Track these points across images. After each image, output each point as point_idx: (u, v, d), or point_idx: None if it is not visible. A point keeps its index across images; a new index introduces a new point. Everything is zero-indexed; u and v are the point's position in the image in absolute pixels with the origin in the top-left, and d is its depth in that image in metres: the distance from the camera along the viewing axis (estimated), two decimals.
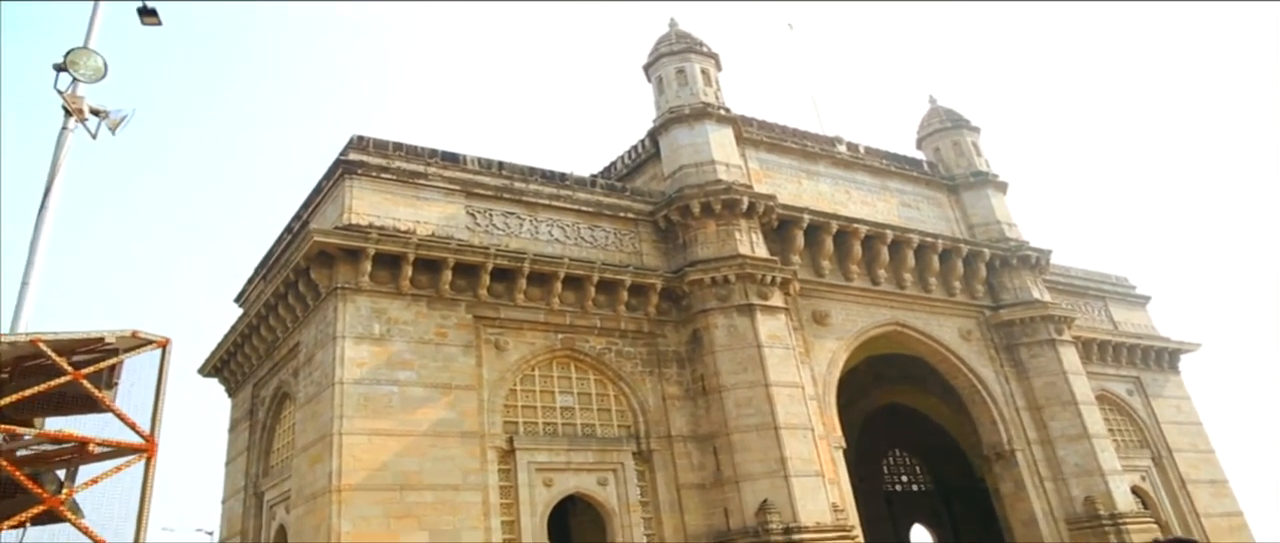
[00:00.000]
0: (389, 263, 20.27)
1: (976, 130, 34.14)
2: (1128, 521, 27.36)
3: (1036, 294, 30.36)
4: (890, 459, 39.44)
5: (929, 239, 28.33)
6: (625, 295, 22.79)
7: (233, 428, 26.09)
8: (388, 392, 19.10)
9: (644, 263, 24.00)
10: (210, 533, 25.71)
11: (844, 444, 23.98)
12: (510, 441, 20.06)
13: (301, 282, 20.68)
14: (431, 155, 22.66)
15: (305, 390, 20.26)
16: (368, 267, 19.82)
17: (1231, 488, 35.43)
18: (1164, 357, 36.85)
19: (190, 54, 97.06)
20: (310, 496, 18.55)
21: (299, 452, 19.79)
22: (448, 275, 20.62)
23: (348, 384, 18.71)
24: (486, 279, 21.06)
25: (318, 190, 22.71)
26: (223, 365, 26.29)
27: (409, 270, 20.21)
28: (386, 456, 18.40)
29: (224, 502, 25.27)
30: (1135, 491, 30.47)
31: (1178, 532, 32.35)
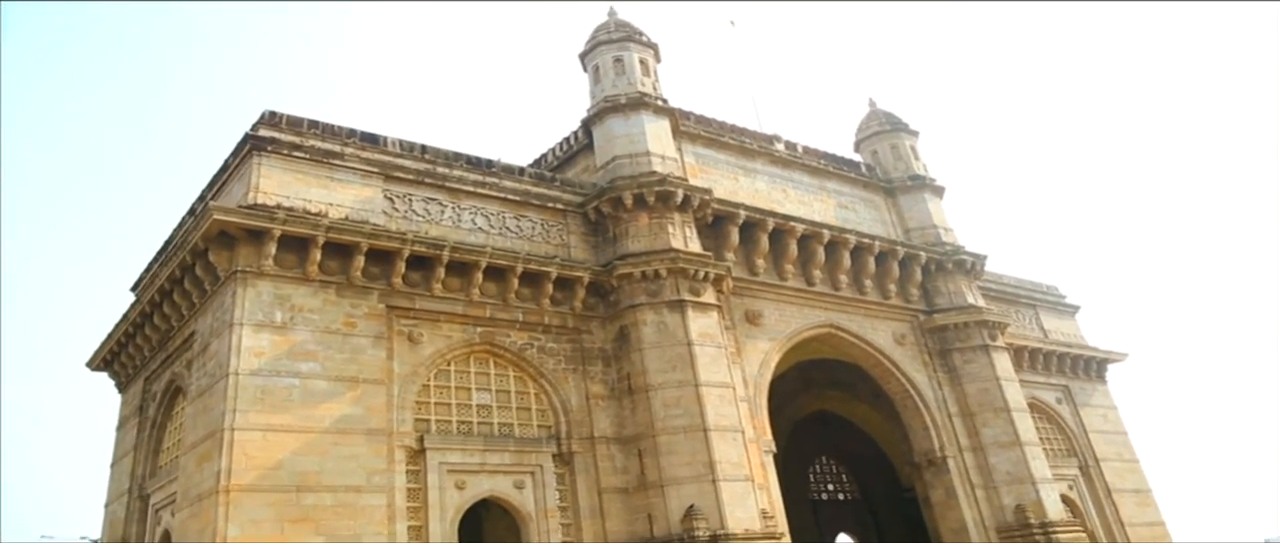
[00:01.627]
0: (296, 247, 18.87)
1: (915, 134, 34.02)
2: (1058, 529, 27.26)
3: (971, 299, 30.24)
4: (817, 467, 39.06)
5: (865, 240, 27.93)
6: (551, 289, 21.73)
7: (121, 426, 24.18)
8: (288, 385, 17.69)
9: (572, 256, 22.99)
10: (93, 540, 23.68)
11: (774, 449, 23.28)
12: (421, 439, 18.81)
13: (199, 265, 19.13)
14: (349, 135, 21.31)
15: (198, 383, 18.71)
16: (272, 249, 18.39)
17: (1155, 497, 35.95)
18: (1092, 366, 37.24)
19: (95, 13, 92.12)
20: (196, 497, 17.04)
21: (187, 450, 18.24)
22: (360, 262, 19.30)
23: (243, 375, 17.26)
24: (402, 267, 19.79)
25: (224, 168, 21.16)
26: (113, 359, 24.37)
27: (318, 255, 18.84)
28: (283, 454, 16.99)
29: (107, 506, 23.34)
30: (1063, 499, 30.51)
31: (1103, 541, 32.61)
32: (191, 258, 19.08)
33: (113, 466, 23.86)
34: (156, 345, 22.25)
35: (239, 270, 18.12)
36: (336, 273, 19.27)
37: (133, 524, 21.31)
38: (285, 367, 17.81)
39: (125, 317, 22.82)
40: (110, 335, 23.80)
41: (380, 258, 19.74)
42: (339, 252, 19.29)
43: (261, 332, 17.86)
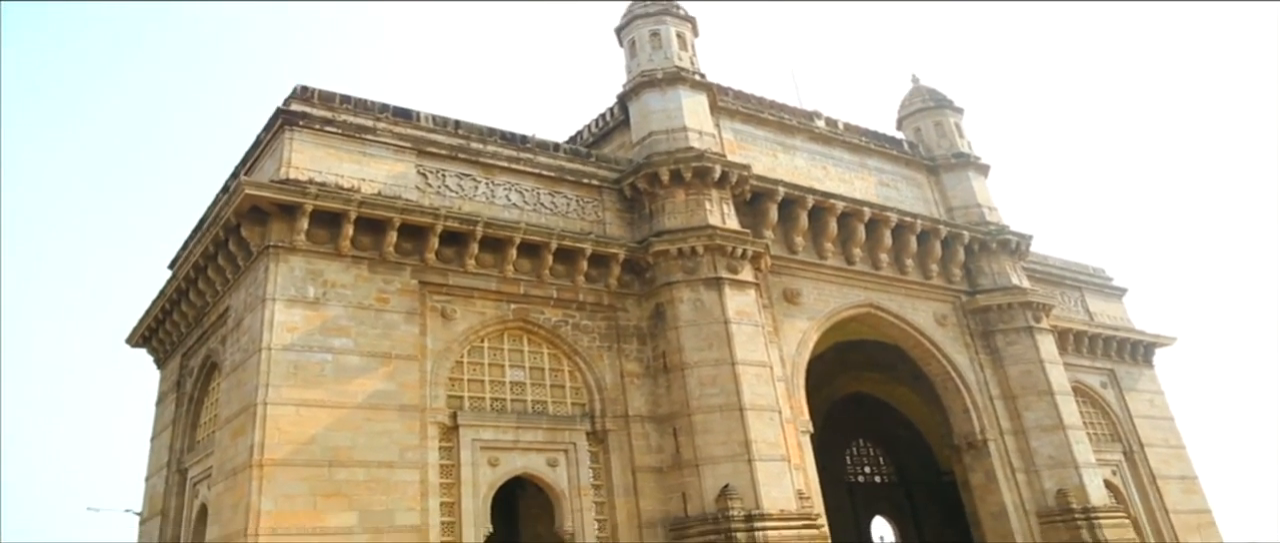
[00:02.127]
0: (328, 222, 18.55)
1: (960, 111, 32.82)
2: (1101, 515, 26.31)
3: (1015, 280, 29.17)
4: (853, 450, 38.25)
5: (907, 219, 27.00)
6: (585, 266, 21.20)
7: (160, 401, 24.23)
8: (320, 360, 17.42)
9: (607, 233, 22.43)
10: (138, 513, 23.84)
11: (811, 429, 22.63)
12: (454, 416, 18.47)
13: (232, 240, 18.90)
14: (382, 110, 20.91)
15: (232, 359, 18.53)
16: (304, 225, 18.08)
17: (1201, 485, 34.64)
18: (1139, 350, 35.91)
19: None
20: (231, 472, 16.88)
21: (222, 425, 18.09)
22: (392, 237, 18.93)
23: (276, 350, 17.01)
24: (435, 242, 19.39)
25: (256, 144, 20.89)
26: (151, 335, 24.37)
27: (350, 230, 18.50)
28: (316, 429, 16.75)
29: (147, 479, 23.42)
30: (1106, 485, 29.46)
31: (1147, 528, 31.51)
32: (224, 234, 18.86)
33: (152, 440, 23.93)
34: (193, 322, 22.18)
35: (271, 246, 17.85)
36: (369, 249, 18.92)
37: (171, 497, 21.33)
38: (318, 342, 17.54)
39: (162, 293, 22.77)
40: (148, 312, 23.79)
41: (413, 234, 19.35)
42: (371, 227, 18.93)
43: (294, 307, 17.60)
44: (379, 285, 18.76)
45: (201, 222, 22.56)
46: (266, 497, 15.81)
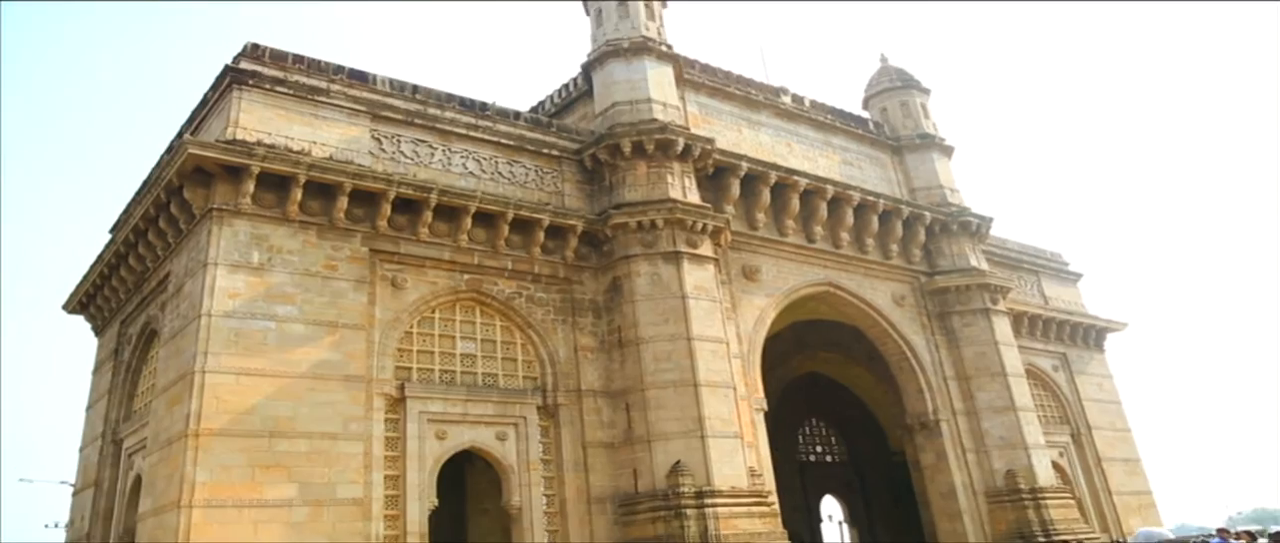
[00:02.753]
0: (276, 185, 17.67)
1: (926, 92, 32.40)
2: (1047, 495, 26.41)
3: (974, 262, 28.98)
4: (806, 429, 38.23)
5: (870, 198, 26.60)
6: (542, 237, 20.54)
7: (96, 370, 23.23)
8: (263, 328, 16.65)
9: (565, 204, 21.74)
10: (71, 484, 22.91)
11: (765, 407, 22.29)
12: (401, 387, 17.82)
13: (174, 203, 17.96)
14: (336, 71, 19.95)
15: (171, 325, 17.67)
16: (251, 188, 17.20)
17: (1143, 468, 35.10)
18: (1091, 334, 36.09)
19: None
20: (166, 441, 16.12)
21: (159, 393, 17.28)
22: (343, 203, 18.10)
23: (216, 317, 16.21)
24: (387, 210, 18.60)
25: (203, 104, 19.84)
26: (88, 301, 23.28)
27: (299, 195, 17.64)
28: (256, 399, 16.02)
29: (82, 450, 22.47)
30: (1053, 466, 29.59)
31: (1091, 508, 31.82)
32: (166, 196, 17.91)
33: (88, 410, 22.94)
34: (132, 288, 21.19)
35: (215, 209, 16.96)
36: (318, 214, 18.09)
37: (106, 468, 20.48)
38: (261, 309, 16.75)
39: (100, 258, 21.70)
40: (85, 277, 22.69)
41: (365, 200, 18.54)
42: (321, 192, 18.09)
43: (237, 272, 16.76)
44: (327, 252, 17.95)
45: (144, 184, 21.51)
46: (202, 468, 15.10)
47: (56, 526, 22.83)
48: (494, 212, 19.82)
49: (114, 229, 20.97)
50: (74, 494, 22.44)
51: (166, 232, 18.66)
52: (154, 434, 16.89)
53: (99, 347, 23.68)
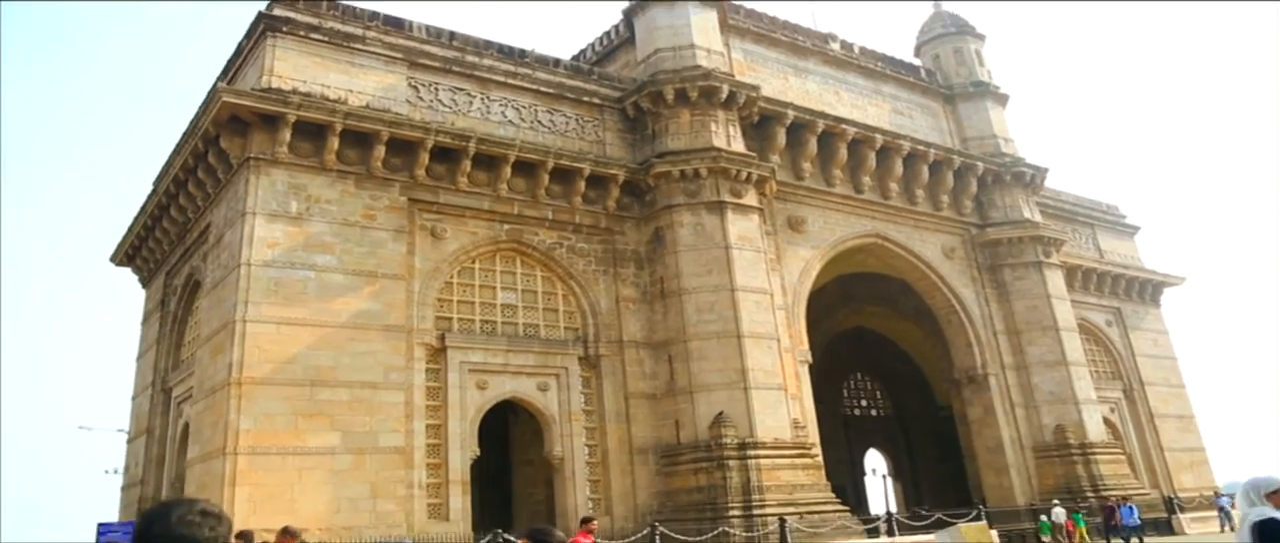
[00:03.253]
0: (313, 134, 17.21)
1: (981, 38, 30.73)
2: (1097, 451, 25.44)
3: (1027, 214, 27.64)
4: (851, 383, 37.40)
5: (920, 148, 25.35)
6: (583, 186, 19.86)
7: (145, 320, 23.29)
8: (303, 277, 16.32)
9: (607, 154, 20.99)
10: (127, 432, 23.14)
11: (810, 359, 21.56)
12: (442, 338, 17.45)
13: (211, 153, 17.62)
14: (372, 18, 19.31)
15: (212, 276, 17.48)
16: (287, 136, 16.75)
17: (1197, 425, 33.70)
18: (1147, 289, 34.49)
19: None
20: (210, 390, 15.98)
21: (202, 343, 17.15)
22: (380, 152, 17.60)
23: (256, 266, 15.91)
24: (425, 158, 18.05)
25: (237, 53, 19.40)
26: (134, 253, 23.25)
27: (335, 143, 17.16)
28: (297, 348, 15.76)
29: (134, 398, 22.64)
30: (1104, 422, 28.47)
31: (1141, 465, 30.67)
32: (203, 145, 17.57)
33: (138, 359, 23.08)
34: (175, 239, 21.05)
35: (252, 158, 16.57)
36: (356, 163, 17.62)
37: (156, 417, 20.57)
38: (300, 259, 16.40)
39: (143, 209, 21.59)
40: (130, 229, 22.65)
41: (402, 149, 18.00)
42: (358, 141, 17.59)
43: (275, 222, 16.41)
44: (366, 202, 17.51)
45: (183, 134, 21.26)
46: (245, 416, 14.92)
47: (115, 472, 23.11)
48: (534, 160, 19.17)
49: (156, 181, 20.79)
50: (128, 442, 22.71)
51: (206, 182, 18.37)
52: (199, 383, 16.79)
53: (147, 298, 23.75)
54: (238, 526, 14.19)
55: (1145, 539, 19.79)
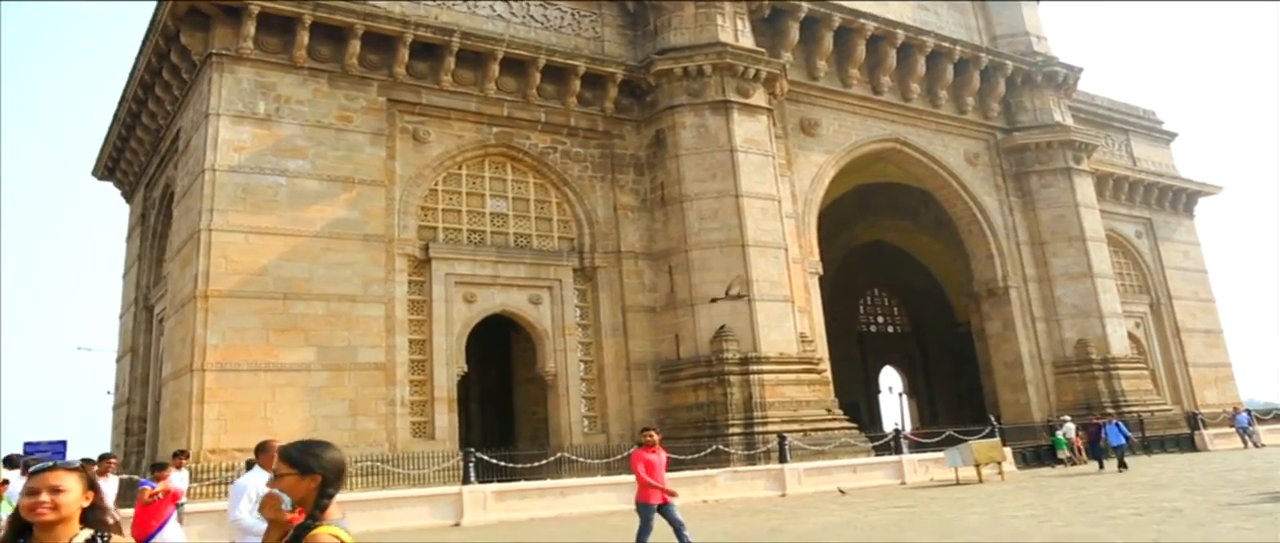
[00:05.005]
0: (281, 28, 15.50)
1: None
2: (1120, 366, 23.89)
3: (1058, 117, 25.37)
4: (867, 299, 35.81)
5: (945, 45, 23.03)
6: (578, 86, 18.04)
7: (129, 236, 22.11)
8: (273, 183, 14.89)
9: (604, 51, 19.05)
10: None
11: (821, 271, 19.97)
12: (426, 248, 16.05)
13: (174, 51, 16.02)
14: None
15: (182, 184, 16.08)
16: (251, 30, 15.07)
17: (1225, 339, 31.91)
18: (1181, 199, 32.19)
19: None
20: (180, 304, 14.83)
21: (173, 255, 15.93)
22: (355, 47, 15.87)
23: (221, 172, 14.48)
24: (405, 55, 16.31)
25: None
26: (114, 166, 21.90)
27: (305, 38, 15.45)
28: (268, 259, 14.46)
29: (121, 317, 21.66)
30: (1128, 337, 26.82)
31: (1165, 380, 29.11)
32: (164, 42, 15.96)
33: (123, 277, 22.01)
34: (151, 149, 19.63)
35: (214, 54, 14.94)
36: (329, 60, 15.93)
37: (140, 335, 19.56)
38: (270, 164, 14.93)
39: (115, 118, 20.09)
40: (106, 140, 21.21)
41: (380, 44, 16.25)
42: (331, 36, 15.86)
43: (241, 124, 14.88)
44: (341, 102, 15.89)
45: (145, 32, 19.60)
46: (213, 330, 13.75)
47: (110, 393, 22.39)
48: (524, 58, 17.34)
49: (126, 86, 19.27)
50: (117, 361, 21.88)
51: (172, 84, 16.83)
52: (171, 297, 15.68)
53: (130, 212, 22.55)
54: (210, 444, 13.18)
55: (1126, 460, 17.76)
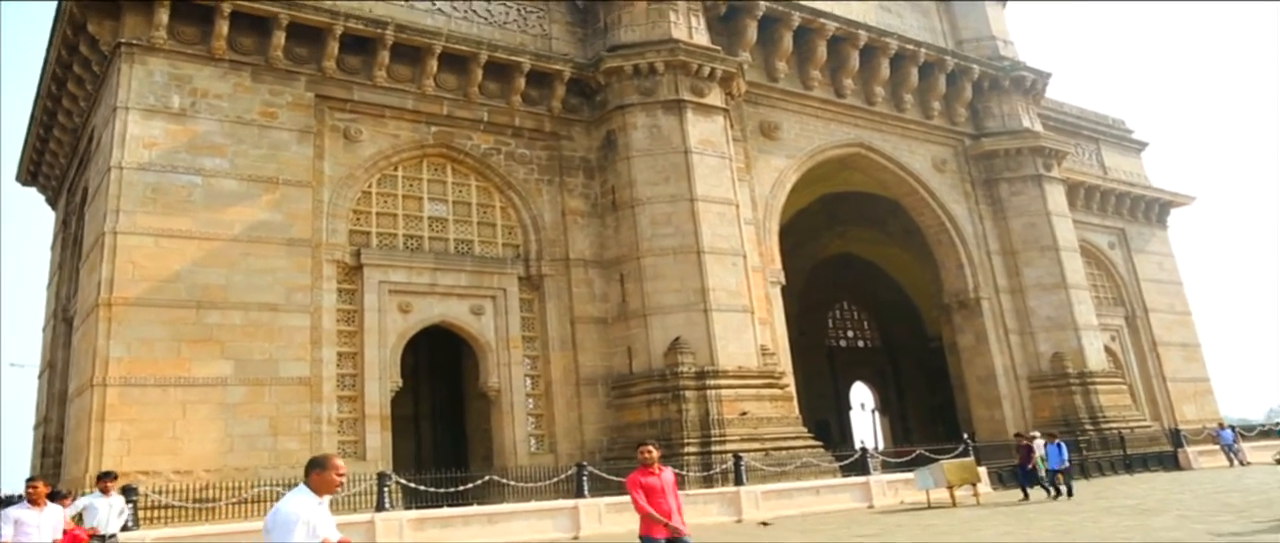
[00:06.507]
0: (198, 17, 14.86)
1: None
2: (1098, 380, 23.72)
3: (1027, 123, 25.40)
4: (836, 313, 35.57)
5: (909, 47, 22.95)
6: (522, 84, 17.57)
7: (52, 244, 21.11)
8: (187, 183, 14.16)
9: (552, 49, 18.62)
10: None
11: (783, 279, 19.58)
12: (357, 254, 15.38)
13: (82, 42, 15.29)
14: None
15: (92, 184, 15.30)
16: (164, 18, 14.41)
17: (1202, 353, 32.04)
18: (1153, 209, 32.45)
19: None
20: (85, 313, 13.98)
21: (83, 261, 15.08)
22: (279, 39, 15.26)
23: (129, 170, 13.74)
24: (335, 49, 15.73)
25: None
26: (36, 169, 20.99)
27: (224, 28, 14.81)
28: (180, 264, 13.70)
29: (43, 329, 20.64)
30: (1104, 350, 26.75)
31: (1143, 395, 29.10)
32: (72, 33, 15.25)
33: (47, 287, 21.03)
34: (71, 151, 18.78)
35: (123, 44, 14.24)
36: (252, 53, 15.30)
37: (58, 348, 18.58)
38: (184, 162, 14.22)
39: (32, 117, 19.24)
40: (25, 142, 20.33)
41: (307, 37, 15.67)
42: (254, 26, 15.25)
43: (153, 118, 14.17)
44: (264, 98, 15.24)
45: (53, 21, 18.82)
46: (117, 341, 12.94)
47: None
48: (464, 53, 16.85)
49: (39, 82, 18.44)
50: (39, 376, 20.81)
51: (85, 79, 16.08)
52: (79, 308, 14.81)
53: (55, 220, 21.59)
54: (110, 467, 12.29)
55: (1071, 485, 15.71)
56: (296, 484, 11.09)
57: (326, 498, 3.93)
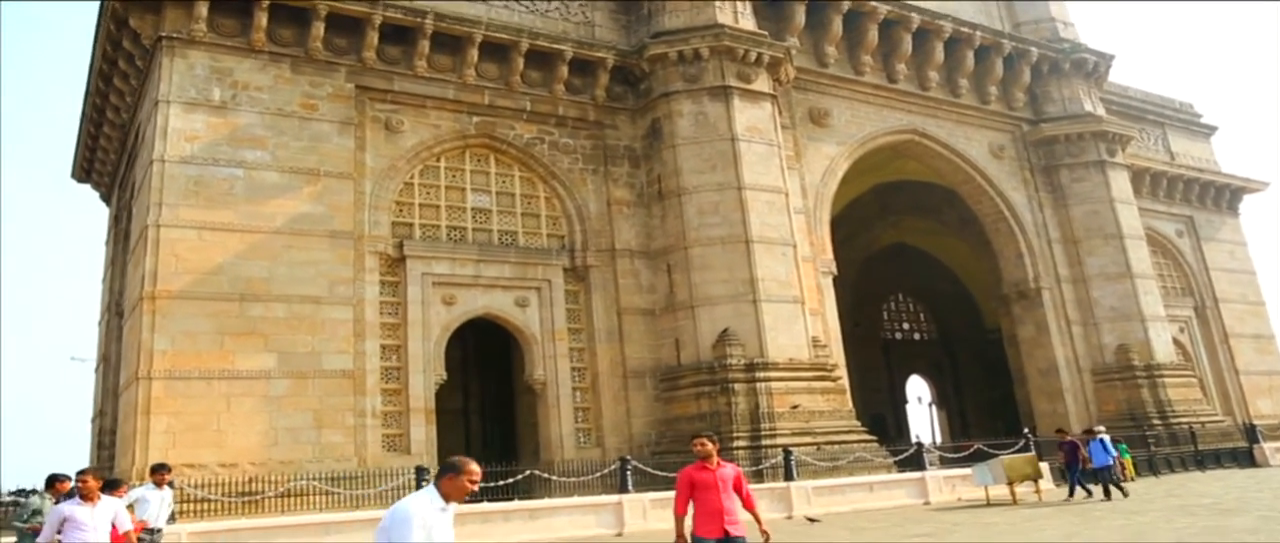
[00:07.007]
0: (237, 9, 14.76)
1: None
2: (1165, 373, 22.57)
3: (1089, 107, 24.27)
4: (891, 305, 34.63)
5: (964, 30, 22.05)
6: (565, 73, 17.19)
7: (107, 239, 21.40)
8: (229, 176, 14.07)
9: (595, 36, 18.22)
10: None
11: (835, 270, 18.89)
12: (400, 246, 15.15)
13: (125, 37, 15.31)
14: None
15: (137, 178, 15.33)
16: (204, 11, 14.35)
17: (1277, 345, 30.42)
18: (1223, 195, 30.88)
19: None
20: (131, 307, 13.99)
21: (129, 254, 15.12)
22: (319, 30, 15.10)
23: (171, 163, 13.68)
24: (374, 38, 15.53)
25: None
26: (89, 167, 21.28)
27: (263, 20, 14.70)
28: (223, 257, 13.61)
29: (99, 323, 20.94)
30: (1172, 342, 25.49)
31: (1213, 389, 27.70)
32: (115, 28, 15.28)
33: (102, 282, 21.31)
34: (120, 146, 18.93)
35: (165, 37, 14.19)
36: (292, 44, 15.16)
37: (112, 342, 18.71)
38: (226, 155, 14.13)
39: (83, 115, 19.45)
40: (78, 139, 20.59)
41: (347, 27, 15.49)
42: (293, 17, 15.11)
43: (195, 112, 14.10)
44: (304, 89, 15.09)
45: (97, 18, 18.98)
46: (161, 335, 12.87)
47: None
48: (505, 42, 16.54)
49: (88, 79, 18.64)
50: (95, 370, 21.14)
51: (129, 74, 16.15)
52: (126, 301, 14.86)
53: (109, 215, 21.89)
54: (157, 460, 12.21)
55: (1122, 485, 14.84)
56: (339, 478, 10.75)
57: (453, 505, 3.56)
